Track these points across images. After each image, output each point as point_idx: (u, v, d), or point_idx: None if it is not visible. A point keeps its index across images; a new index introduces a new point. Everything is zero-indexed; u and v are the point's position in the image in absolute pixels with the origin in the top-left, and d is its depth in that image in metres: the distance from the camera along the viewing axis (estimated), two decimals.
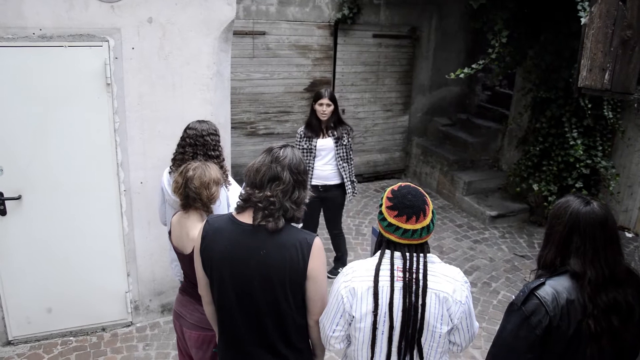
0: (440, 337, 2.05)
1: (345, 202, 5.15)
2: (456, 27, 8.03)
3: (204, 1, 4.00)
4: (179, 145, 3.40)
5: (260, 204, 2.09)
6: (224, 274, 2.17)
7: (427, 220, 2.03)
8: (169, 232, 2.91)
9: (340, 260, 5.37)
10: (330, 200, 5.03)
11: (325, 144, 4.86)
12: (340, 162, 4.90)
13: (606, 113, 5.75)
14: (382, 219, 2.08)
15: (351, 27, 7.21)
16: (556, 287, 1.94)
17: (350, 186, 5.00)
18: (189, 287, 2.82)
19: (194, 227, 2.64)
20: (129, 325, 4.44)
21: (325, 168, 4.91)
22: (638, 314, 1.97)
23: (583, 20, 2.43)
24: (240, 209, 2.19)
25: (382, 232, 2.09)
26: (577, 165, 5.92)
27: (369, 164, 8.18)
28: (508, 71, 7.01)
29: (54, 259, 4.03)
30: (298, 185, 2.15)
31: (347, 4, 6.94)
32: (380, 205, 2.11)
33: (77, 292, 4.17)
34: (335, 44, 7.26)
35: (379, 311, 2.02)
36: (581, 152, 5.79)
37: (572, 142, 5.81)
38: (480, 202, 7.06)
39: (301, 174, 2.16)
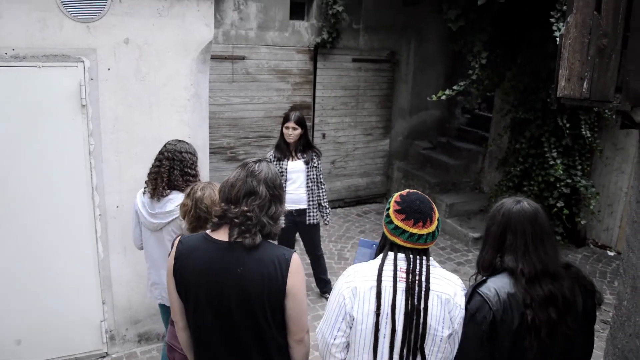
0: (441, 341, 2.03)
1: (322, 224, 5.08)
2: (435, 51, 8.12)
3: (181, 22, 3.98)
4: (155, 159, 3.36)
5: (236, 220, 2.02)
6: (199, 295, 2.08)
7: (433, 227, 2.06)
8: (169, 255, 2.82)
9: (324, 282, 5.28)
10: (305, 224, 4.96)
11: (295, 167, 4.83)
12: (311, 185, 4.87)
13: (584, 132, 5.80)
14: (388, 221, 2.09)
15: (330, 51, 7.24)
16: (497, 284, 2.05)
17: (315, 212, 4.94)
18: None
19: None
20: (104, 357, 4.28)
21: (298, 192, 4.86)
22: (580, 306, 2.07)
23: (561, 32, 2.43)
24: (215, 226, 2.12)
25: (388, 234, 2.10)
26: (558, 185, 5.94)
27: (350, 189, 8.14)
28: (487, 94, 7.07)
29: (24, 287, 3.86)
30: (274, 199, 2.10)
31: (327, 29, 6.99)
32: (388, 209, 2.12)
33: (49, 322, 4.00)
34: (315, 68, 7.28)
35: (382, 311, 2.00)
36: (561, 172, 5.81)
37: (552, 162, 5.84)
38: (463, 224, 7.04)
39: (277, 188, 2.12)
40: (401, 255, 2.06)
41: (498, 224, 2.13)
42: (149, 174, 3.36)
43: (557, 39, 4.74)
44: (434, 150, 8.39)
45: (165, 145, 3.35)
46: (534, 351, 2.00)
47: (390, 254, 2.09)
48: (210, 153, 4.56)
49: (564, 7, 4.85)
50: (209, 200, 2.73)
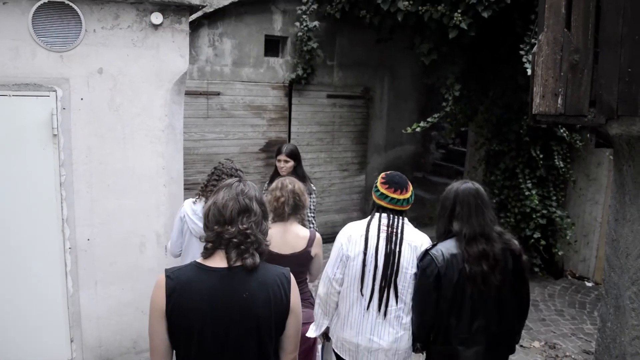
0: (410, 278, 2.80)
1: None
2: (408, 88, 8.25)
3: (156, 53, 3.97)
4: (212, 174, 3.61)
5: (235, 240, 1.93)
6: (205, 331, 1.93)
7: (408, 195, 2.87)
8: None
9: None
10: None
11: None
12: None
13: (557, 163, 5.90)
14: (376, 190, 2.91)
15: (305, 87, 7.29)
16: (444, 246, 2.72)
17: None
18: None
19: (299, 229, 3.27)
20: None
21: None
22: (510, 265, 2.71)
23: (533, 50, 2.48)
24: (208, 252, 1.99)
25: (375, 199, 2.91)
26: (534, 216, 5.98)
27: (326, 225, 8.06)
28: (460, 129, 7.18)
29: None
30: (265, 216, 2.06)
31: (301, 65, 7.05)
32: (376, 183, 2.93)
33: None
34: (290, 104, 7.30)
35: (368, 252, 2.79)
36: (537, 202, 5.86)
37: (527, 193, 5.89)
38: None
39: (264, 204, 2.09)
40: (384, 215, 2.85)
41: (450, 199, 2.79)
42: (206, 186, 3.60)
43: (528, 70, 4.86)
44: None
45: (222, 163, 3.69)
46: (473, 297, 2.65)
47: (377, 214, 2.88)
48: (184, 189, 4.47)
49: (533, 40, 4.99)
50: (299, 191, 3.28)
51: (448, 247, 2.71)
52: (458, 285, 2.65)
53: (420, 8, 5.63)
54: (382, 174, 2.95)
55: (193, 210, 3.56)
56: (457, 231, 2.71)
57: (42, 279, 3.80)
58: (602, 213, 6.28)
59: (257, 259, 1.97)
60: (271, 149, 7.16)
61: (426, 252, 2.74)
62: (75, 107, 3.76)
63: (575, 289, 6.38)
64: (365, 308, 2.82)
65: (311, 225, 4.91)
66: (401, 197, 2.83)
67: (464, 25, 5.33)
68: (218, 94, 6.71)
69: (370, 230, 2.81)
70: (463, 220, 2.70)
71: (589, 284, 6.45)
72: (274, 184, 3.38)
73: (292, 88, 7.24)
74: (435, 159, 8.84)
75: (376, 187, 2.91)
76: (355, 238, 2.83)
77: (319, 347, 3.47)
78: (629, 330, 2.46)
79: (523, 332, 5.14)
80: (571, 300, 6.03)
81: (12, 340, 3.77)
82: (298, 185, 3.33)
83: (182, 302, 1.92)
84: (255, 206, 2.00)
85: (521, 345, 4.97)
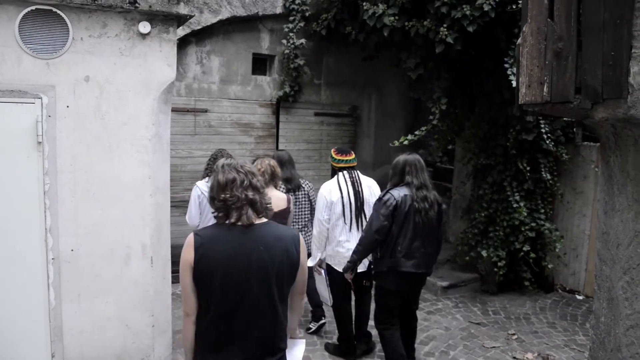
0: (371, 204, 4.32)
1: None
2: (395, 106, 8.31)
3: (143, 61, 3.96)
4: (215, 159, 4.82)
5: (238, 203, 2.31)
6: (226, 276, 2.28)
7: (353, 156, 4.61)
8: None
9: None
10: None
11: None
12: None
13: (544, 175, 5.92)
14: (333, 159, 4.60)
15: (293, 105, 7.32)
16: (398, 190, 4.08)
17: None
18: None
19: (278, 192, 4.46)
20: None
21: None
22: (436, 205, 4.10)
23: (517, 41, 2.50)
24: (221, 218, 2.37)
25: (335, 165, 4.58)
26: (523, 229, 5.98)
27: None
28: (447, 146, 7.21)
29: None
30: (260, 182, 2.43)
31: (289, 83, 7.09)
32: (331, 156, 4.65)
33: None
34: (278, 121, 7.32)
35: (343, 195, 4.44)
36: (525, 214, 5.87)
37: (515, 205, 5.90)
38: (431, 274, 6.94)
39: (254, 174, 2.44)
40: (345, 172, 4.53)
41: (401, 163, 4.15)
42: (212, 169, 4.75)
43: (513, 83, 4.92)
44: None
45: (220, 150, 5.13)
46: (420, 224, 4.01)
47: (339, 173, 4.54)
48: (172, 207, 4.40)
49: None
50: (274, 164, 4.49)
51: (401, 190, 4.06)
52: (407, 215, 3.99)
53: (406, 23, 5.71)
54: (333, 149, 4.69)
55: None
56: (410, 182, 4.04)
57: (23, 291, 3.69)
58: (590, 226, 6.29)
59: (264, 217, 2.40)
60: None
61: (387, 192, 4.10)
62: (61, 114, 3.72)
63: (566, 302, 6.35)
64: (349, 230, 4.50)
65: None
66: (350, 157, 4.58)
67: (450, 40, 5.40)
68: (205, 111, 6.71)
69: (340, 182, 4.48)
70: (413, 174, 4.05)
71: (580, 297, 6.42)
72: (256, 161, 4.55)
73: (279, 106, 7.27)
74: None
75: (333, 157, 4.62)
76: (333, 189, 4.46)
77: (323, 277, 4.67)
78: (622, 320, 2.43)
79: (515, 344, 5.15)
80: (562, 313, 5.99)
81: None
82: (273, 161, 4.54)
83: (208, 252, 2.30)
84: (244, 175, 2.36)
85: (514, 357, 4.91)
